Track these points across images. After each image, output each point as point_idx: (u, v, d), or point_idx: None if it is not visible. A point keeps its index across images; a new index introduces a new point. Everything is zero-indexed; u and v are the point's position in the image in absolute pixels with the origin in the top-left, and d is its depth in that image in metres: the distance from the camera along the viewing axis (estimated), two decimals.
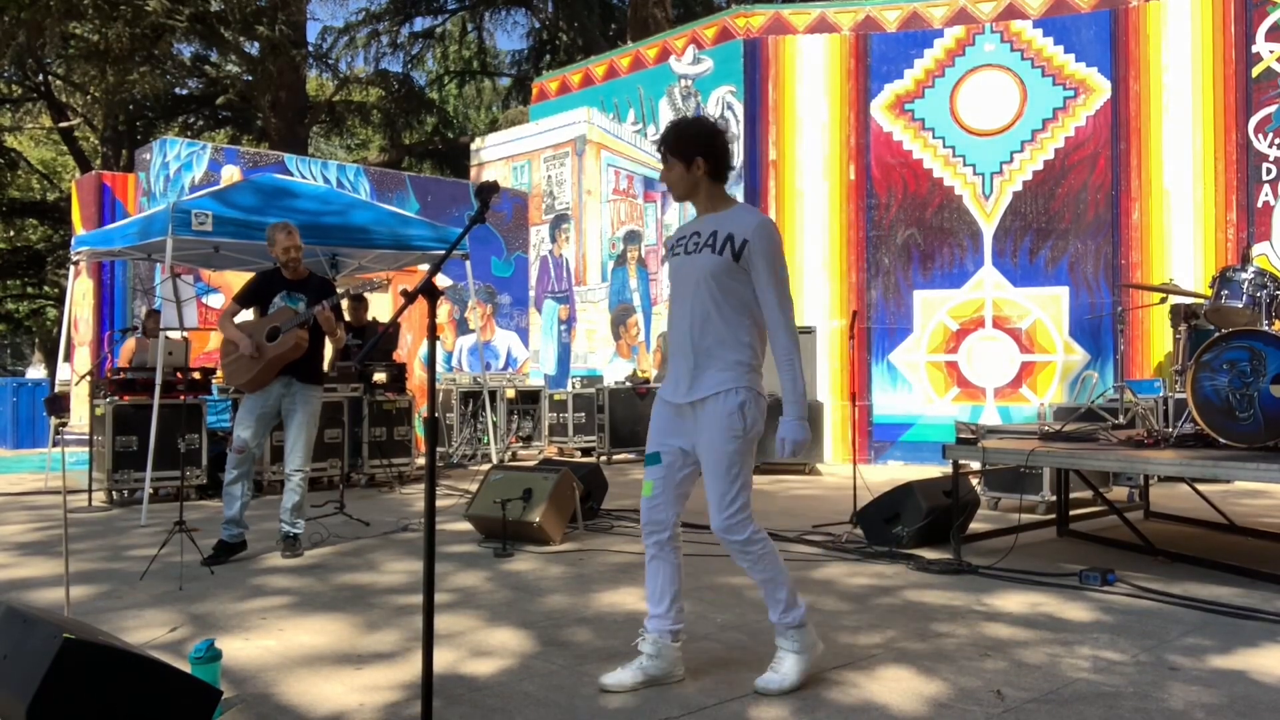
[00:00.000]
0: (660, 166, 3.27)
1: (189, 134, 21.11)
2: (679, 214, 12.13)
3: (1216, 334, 5.20)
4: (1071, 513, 6.19)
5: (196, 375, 8.17)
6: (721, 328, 3.08)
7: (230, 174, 11.18)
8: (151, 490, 7.12)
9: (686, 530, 6.22)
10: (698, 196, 3.23)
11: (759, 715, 2.92)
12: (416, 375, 11.60)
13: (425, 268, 9.19)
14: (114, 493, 7.74)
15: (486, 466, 8.60)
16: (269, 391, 5.51)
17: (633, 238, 12.75)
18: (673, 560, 3.21)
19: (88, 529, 6.48)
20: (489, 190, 2.78)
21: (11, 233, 25.84)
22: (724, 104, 11.71)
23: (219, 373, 8.40)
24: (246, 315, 5.84)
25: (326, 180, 11.96)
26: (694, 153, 3.16)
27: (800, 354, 3.14)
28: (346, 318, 9.45)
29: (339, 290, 5.65)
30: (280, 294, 5.58)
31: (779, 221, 11.31)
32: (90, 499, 7.74)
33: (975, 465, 6.34)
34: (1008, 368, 10.50)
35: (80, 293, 12.07)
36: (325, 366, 9.56)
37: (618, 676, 3.15)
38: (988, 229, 10.67)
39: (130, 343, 8.54)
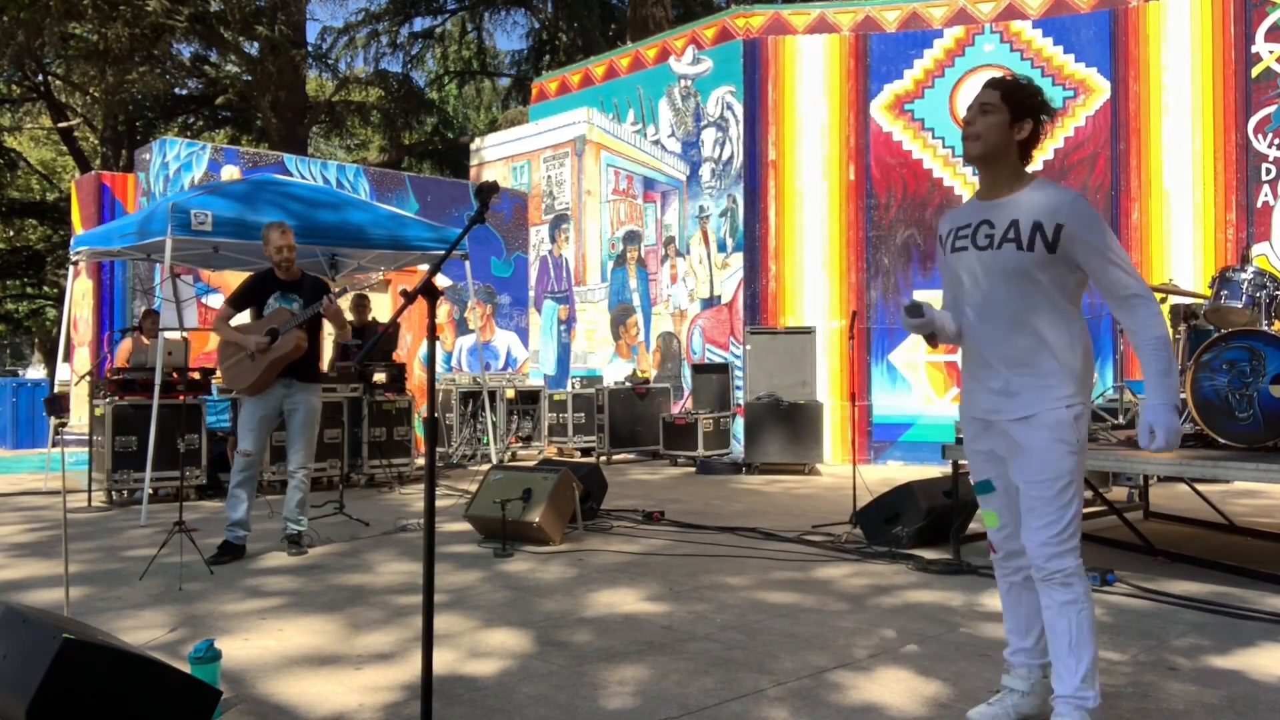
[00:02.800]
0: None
1: (188, 134, 21.11)
2: (678, 214, 12.13)
3: (1216, 334, 5.20)
4: None
5: (196, 375, 8.17)
6: (1038, 333, 2.66)
7: (230, 174, 11.18)
8: (151, 490, 7.12)
9: (681, 530, 6.25)
10: (998, 164, 2.73)
11: (759, 716, 2.92)
12: (416, 375, 11.60)
13: (425, 268, 9.19)
14: (113, 493, 7.74)
15: (486, 467, 8.60)
16: (270, 394, 5.52)
17: (632, 238, 12.75)
18: (1034, 591, 2.81)
19: (87, 529, 6.47)
20: (488, 190, 2.78)
21: (11, 233, 25.84)
22: (723, 104, 11.71)
23: (218, 373, 8.41)
24: (243, 318, 5.83)
25: (326, 180, 11.96)
26: (1026, 112, 2.69)
27: (1167, 329, 2.66)
28: (350, 318, 9.50)
29: (335, 290, 5.65)
30: (274, 295, 5.59)
31: (778, 223, 11.32)
32: (90, 499, 7.74)
33: None
34: None
35: (80, 293, 12.07)
36: (324, 367, 9.59)
37: (982, 713, 2.84)
38: None
39: (126, 343, 8.53)
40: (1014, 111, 2.68)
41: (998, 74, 2.84)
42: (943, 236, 2.87)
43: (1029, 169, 2.76)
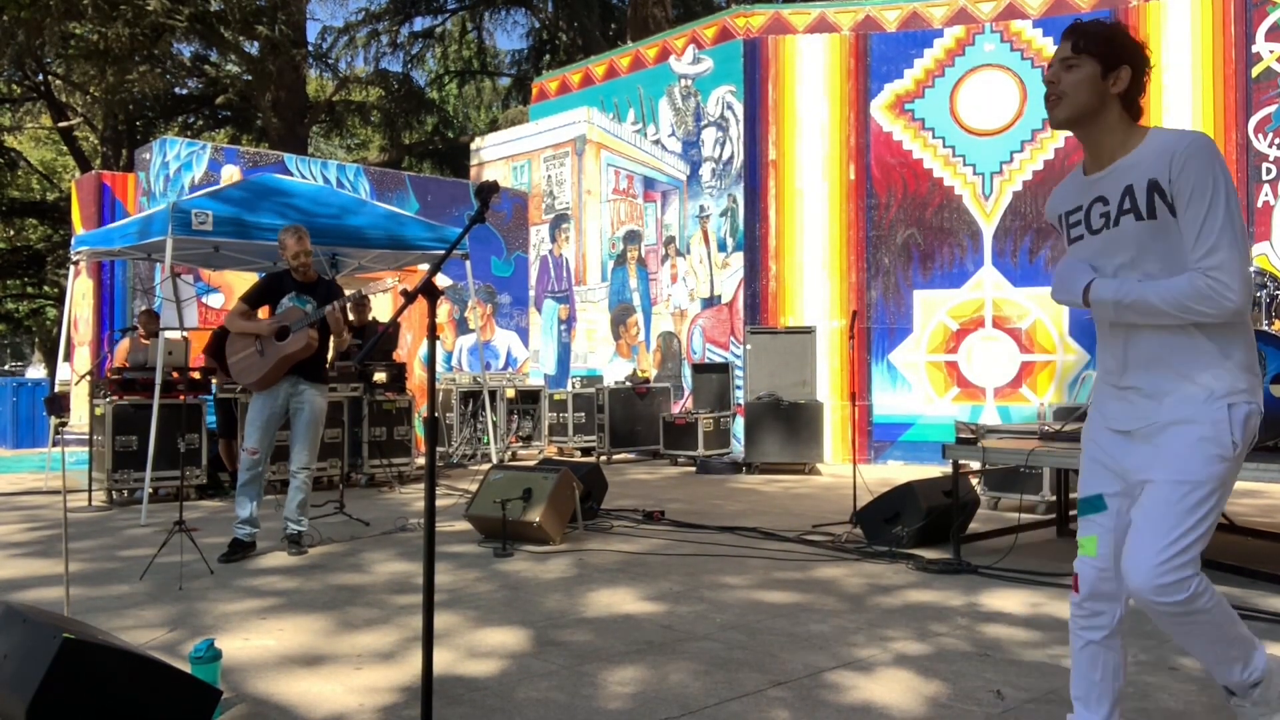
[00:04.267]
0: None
1: (189, 134, 21.11)
2: (679, 214, 12.13)
3: None
4: (1071, 512, 6.18)
5: (196, 375, 8.17)
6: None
7: (230, 174, 11.18)
8: (151, 490, 7.12)
9: (681, 529, 6.25)
10: (1097, 126, 2.28)
11: (759, 716, 2.92)
12: (416, 375, 11.60)
13: (425, 267, 9.19)
14: (113, 492, 7.74)
15: (486, 466, 8.60)
16: (277, 391, 5.55)
17: (632, 237, 12.75)
18: (1117, 651, 2.36)
19: (87, 529, 6.47)
20: (489, 190, 2.78)
21: (11, 232, 25.84)
22: (724, 104, 11.70)
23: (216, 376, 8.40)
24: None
25: (326, 180, 11.96)
26: (1119, 58, 2.24)
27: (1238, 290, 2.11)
28: (351, 318, 9.50)
29: (347, 293, 5.68)
30: (289, 295, 5.65)
31: (778, 222, 11.32)
32: (90, 499, 7.74)
33: (975, 465, 6.34)
34: (1007, 367, 10.50)
35: (80, 292, 12.07)
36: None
37: None
38: (987, 229, 10.67)
39: (124, 343, 8.53)
40: (1105, 60, 2.24)
41: (1079, 19, 2.41)
42: (1056, 223, 2.46)
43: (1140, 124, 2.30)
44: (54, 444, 9.57)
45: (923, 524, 5.52)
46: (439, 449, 10.35)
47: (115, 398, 7.68)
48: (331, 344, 5.74)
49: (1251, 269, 5.37)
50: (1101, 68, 2.25)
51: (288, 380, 5.55)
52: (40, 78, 21.03)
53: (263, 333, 5.49)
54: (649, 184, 12.51)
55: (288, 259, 5.66)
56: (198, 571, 4.92)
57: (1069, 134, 9.39)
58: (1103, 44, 2.26)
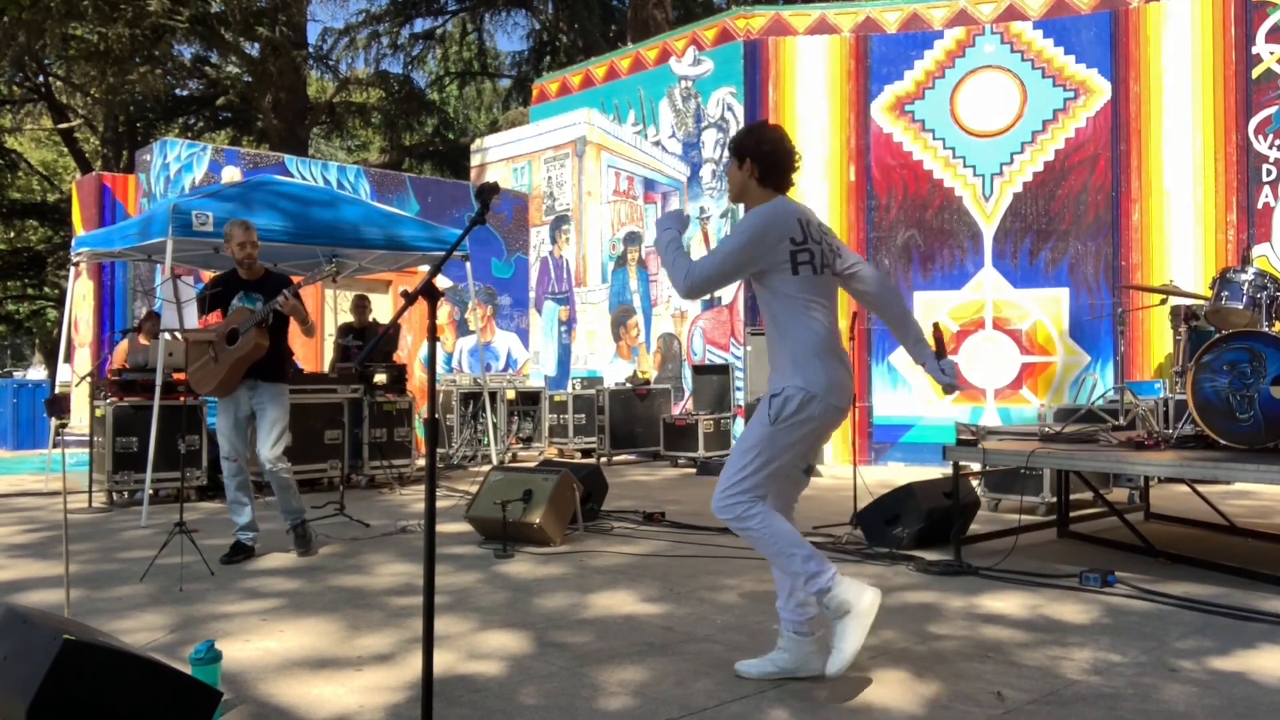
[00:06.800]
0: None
1: (189, 135, 21.11)
2: None
3: (1217, 335, 5.20)
4: (1072, 514, 6.19)
5: None
6: (770, 335, 3.29)
7: (230, 175, 11.19)
8: (151, 491, 7.12)
9: (681, 531, 6.25)
10: (747, 199, 3.33)
11: (760, 716, 2.92)
12: (417, 376, 11.60)
13: (426, 269, 9.19)
14: (114, 494, 7.74)
15: (486, 468, 8.60)
16: (237, 397, 5.47)
17: (633, 239, 12.75)
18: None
19: (87, 530, 6.48)
20: (489, 191, 2.78)
21: (12, 234, 25.85)
22: (724, 105, 11.71)
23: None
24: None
25: (326, 181, 11.96)
26: (742, 153, 3.29)
27: (690, 277, 3.17)
28: (350, 318, 9.51)
29: (297, 280, 5.58)
30: (238, 295, 5.55)
31: None
32: (90, 500, 7.74)
33: (975, 466, 6.34)
34: (1008, 369, 10.50)
35: (80, 294, 12.08)
36: (326, 368, 9.56)
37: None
38: (988, 230, 10.67)
39: (123, 344, 8.53)
40: (738, 156, 3.29)
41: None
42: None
43: (787, 194, 3.35)
44: (54, 445, 9.57)
45: (923, 525, 5.52)
46: (439, 450, 10.35)
47: (115, 399, 7.68)
48: (300, 330, 5.59)
49: (1251, 271, 5.36)
50: (737, 161, 3.30)
51: (245, 384, 5.45)
52: (41, 79, 21.05)
53: (214, 340, 5.38)
54: (649, 185, 12.51)
55: (233, 251, 5.52)
56: (198, 573, 4.92)
57: (1069, 135, 9.43)
58: (737, 146, 3.31)
